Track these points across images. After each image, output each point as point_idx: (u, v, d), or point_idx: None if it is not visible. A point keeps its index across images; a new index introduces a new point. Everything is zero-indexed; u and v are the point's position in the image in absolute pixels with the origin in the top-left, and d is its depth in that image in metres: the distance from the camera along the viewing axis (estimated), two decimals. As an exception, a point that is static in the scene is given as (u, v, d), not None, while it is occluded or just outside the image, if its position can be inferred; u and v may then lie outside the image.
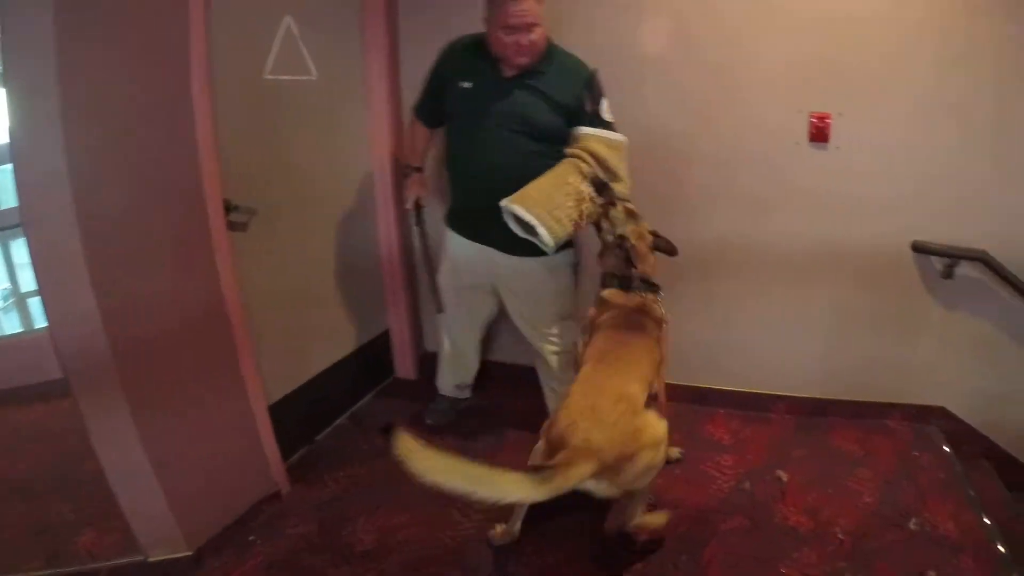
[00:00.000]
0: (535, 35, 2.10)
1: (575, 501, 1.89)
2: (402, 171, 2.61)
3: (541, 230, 2.06)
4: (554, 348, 2.49)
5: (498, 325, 2.81)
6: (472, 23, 2.28)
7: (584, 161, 2.20)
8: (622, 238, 2.15)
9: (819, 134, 2.58)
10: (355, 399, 2.95)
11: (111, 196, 1.68)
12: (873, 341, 2.74)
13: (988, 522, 2.21)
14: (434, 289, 2.57)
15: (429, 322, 3.20)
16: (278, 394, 2.39)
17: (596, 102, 2.24)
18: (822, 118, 2.56)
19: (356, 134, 2.80)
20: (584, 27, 2.59)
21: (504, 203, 2.11)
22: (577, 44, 2.34)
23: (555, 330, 2.47)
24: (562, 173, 2.17)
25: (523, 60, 2.15)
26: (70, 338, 1.71)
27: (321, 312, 2.70)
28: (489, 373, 2.97)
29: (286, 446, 2.37)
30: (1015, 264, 2.45)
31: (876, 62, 2.45)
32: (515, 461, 2.42)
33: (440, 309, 2.57)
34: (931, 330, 2.68)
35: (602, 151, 2.21)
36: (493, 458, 2.46)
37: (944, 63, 2.40)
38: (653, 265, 2.23)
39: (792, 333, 2.83)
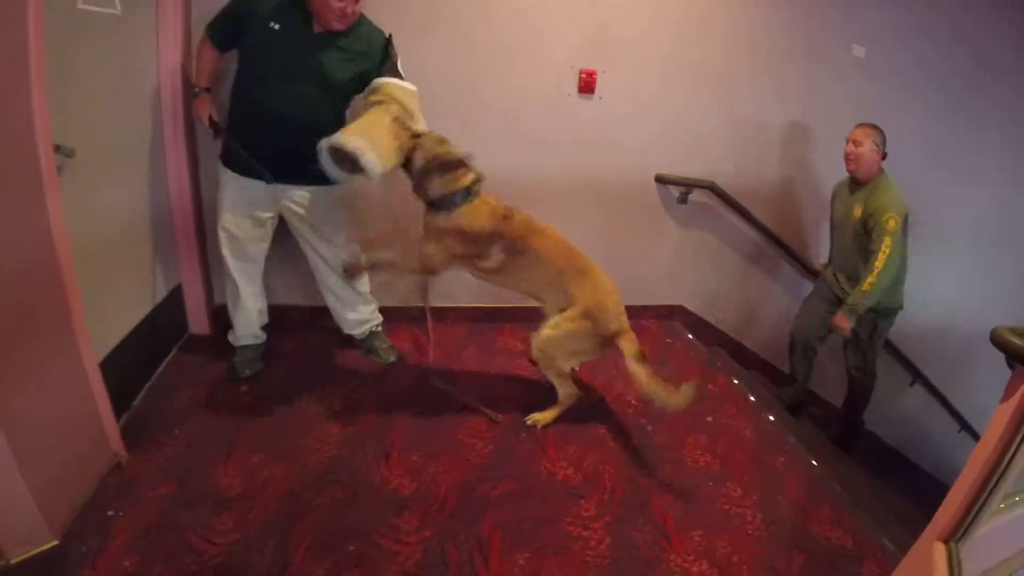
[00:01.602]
0: (359, 5, 2.33)
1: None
2: (192, 92, 2.55)
3: (369, 156, 2.18)
4: (338, 253, 2.75)
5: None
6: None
7: (392, 104, 2.39)
8: (436, 156, 2.37)
9: (587, 87, 3.16)
10: (158, 360, 2.75)
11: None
12: (628, 257, 3.49)
13: (736, 382, 3.10)
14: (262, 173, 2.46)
15: (219, 275, 3.05)
16: (99, 355, 2.16)
17: (394, 59, 2.50)
18: (590, 74, 3.14)
19: (148, 72, 2.55)
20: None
21: (328, 141, 2.21)
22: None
23: (340, 239, 2.75)
24: (376, 115, 2.36)
25: (340, 26, 2.34)
26: None
27: (121, 267, 2.44)
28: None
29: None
30: (734, 191, 3.37)
31: (632, 27, 3.11)
32: (351, 388, 2.73)
33: (269, 180, 2.47)
34: (670, 245, 3.55)
35: (403, 96, 2.43)
36: (343, 390, 2.66)
37: (684, 30, 3.16)
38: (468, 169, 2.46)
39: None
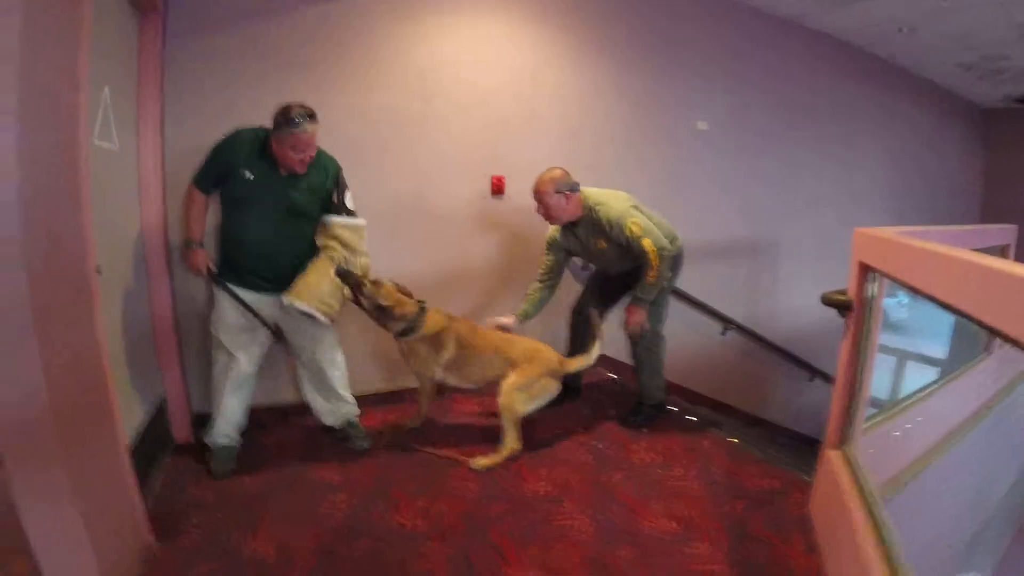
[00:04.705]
0: (313, 151, 2.60)
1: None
2: (185, 245, 2.71)
3: (319, 317, 2.68)
4: (337, 365, 2.97)
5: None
6: (234, 103, 3.04)
7: (336, 250, 2.75)
8: (380, 306, 2.81)
9: (498, 190, 3.76)
10: (156, 467, 2.73)
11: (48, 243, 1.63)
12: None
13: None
14: (265, 323, 2.77)
15: (197, 384, 3.15)
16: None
17: (342, 194, 2.78)
18: (500, 180, 3.75)
19: (132, 197, 2.77)
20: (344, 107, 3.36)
21: (286, 300, 2.64)
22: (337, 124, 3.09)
23: (329, 339, 2.92)
24: (323, 268, 2.72)
25: (302, 170, 2.62)
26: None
27: (123, 378, 2.49)
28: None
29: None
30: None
31: (527, 144, 3.83)
32: (341, 464, 2.92)
33: (279, 338, 2.84)
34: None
35: (346, 235, 2.78)
36: (334, 466, 2.79)
37: (563, 133, 3.94)
38: (406, 302, 2.91)
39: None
